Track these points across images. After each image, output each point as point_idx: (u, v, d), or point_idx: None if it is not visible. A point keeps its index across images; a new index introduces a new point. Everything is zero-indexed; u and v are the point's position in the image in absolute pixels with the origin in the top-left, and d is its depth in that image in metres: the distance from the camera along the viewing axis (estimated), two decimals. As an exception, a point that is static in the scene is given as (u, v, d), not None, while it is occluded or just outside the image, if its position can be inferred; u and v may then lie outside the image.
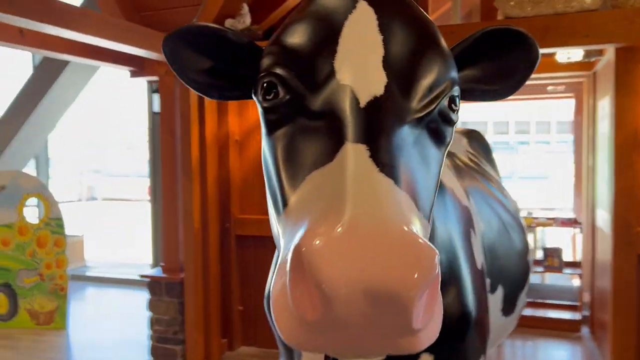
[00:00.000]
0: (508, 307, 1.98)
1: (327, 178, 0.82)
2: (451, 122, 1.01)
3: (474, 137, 2.69)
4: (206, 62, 1.12)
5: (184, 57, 1.12)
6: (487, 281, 1.71)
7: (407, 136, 0.91)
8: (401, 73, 0.94)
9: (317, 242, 0.70)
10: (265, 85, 0.97)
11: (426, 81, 0.95)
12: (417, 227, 0.79)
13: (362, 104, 0.88)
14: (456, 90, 1.00)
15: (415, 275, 0.69)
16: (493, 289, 1.79)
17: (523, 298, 2.22)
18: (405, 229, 0.73)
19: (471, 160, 2.29)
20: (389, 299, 0.67)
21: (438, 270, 0.72)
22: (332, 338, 0.71)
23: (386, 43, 0.95)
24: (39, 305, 5.76)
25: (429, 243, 0.73)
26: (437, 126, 0.98)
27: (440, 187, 1.52)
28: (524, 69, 1.13)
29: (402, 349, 0.72)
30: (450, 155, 2.02)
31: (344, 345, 0.71)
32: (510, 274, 1.98)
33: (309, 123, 0.92)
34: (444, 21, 6.66)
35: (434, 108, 0.96)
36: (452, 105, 0.99)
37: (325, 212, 0.75)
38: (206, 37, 1.11)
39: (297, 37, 0.97)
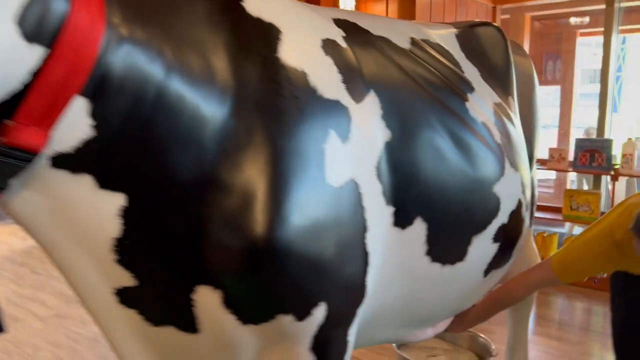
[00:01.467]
0: (444, 251, 1.50)
1: None
2: None
3: (475, 38, 1.94)
4: None
5: None
6: (389, 210, 1.31)
7: None
8: None
9: None
10: None
11: None
12: None
13: None
14: None
15: None
16: (404, 222, 1.36)
17: (486, 244, 1.63)
18: None
19: (429, 55, 1.66)
20: None
21: None
22: None
23: None
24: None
25: None
26: None
27: (275, 71, 1.15)
28: None
29: None
30: (348, 32, 1.42)
31: None
32: (449, 206, 1.47)
33: None
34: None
35: None
36: None
37: None
38: None
39: None
